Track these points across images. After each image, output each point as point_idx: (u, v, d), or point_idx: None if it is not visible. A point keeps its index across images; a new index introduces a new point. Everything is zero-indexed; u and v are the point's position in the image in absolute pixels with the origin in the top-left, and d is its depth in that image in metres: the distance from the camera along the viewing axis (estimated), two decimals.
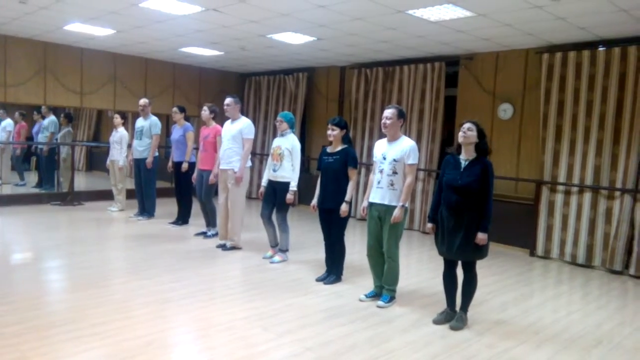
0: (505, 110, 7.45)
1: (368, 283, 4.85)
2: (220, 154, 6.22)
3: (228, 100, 6.08)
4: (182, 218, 7.60)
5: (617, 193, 6.28)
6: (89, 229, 7.34)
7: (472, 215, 3.83)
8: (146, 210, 7.95)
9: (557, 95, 6.75)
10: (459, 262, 4.10)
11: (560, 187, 6.76)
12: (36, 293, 4.41)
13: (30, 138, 10.70)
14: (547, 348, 3.77)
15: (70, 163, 9.36)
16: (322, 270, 5.31)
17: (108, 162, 8.49)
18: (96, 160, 12.86)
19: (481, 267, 4.52)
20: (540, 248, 6.89)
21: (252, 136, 6.11)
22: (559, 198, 6.77)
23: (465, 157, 3.93)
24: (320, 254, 5.47)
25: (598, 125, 6.41)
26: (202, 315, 4.07)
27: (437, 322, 4.09)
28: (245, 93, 11.37)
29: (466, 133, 3.87)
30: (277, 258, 5.80)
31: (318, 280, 5.12)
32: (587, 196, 6.52)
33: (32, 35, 8.27)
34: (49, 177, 9.89)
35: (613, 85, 6.27)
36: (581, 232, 6.53)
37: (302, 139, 9.77)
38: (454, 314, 4.11)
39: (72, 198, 8.97)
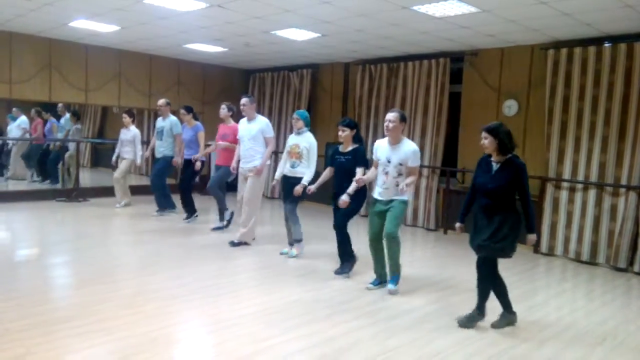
0: (510, 107, 7.42)
1: (369, 281, 4.90)
2: (241, 152, 6.28)
3: (244, 100, 6.15)
4: (192, 213, 7.69)
5: (622, 190, 6.25)
6: (94, 224, 7.37)
7: (503, 216, 3.80)
8: (168, 205, 7.98)
9: (563, 91, 6.71)
10: (498, 262, 4.01)
11: (565, 184, 6.73)
12: (42, 289, 4.45)
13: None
14: (550, 345, 3.76)
15: (76, 160, 9.40)
16: (329, 266, 5.38)
17: (113, 159, 8.57)
18: (101, 156, 12.90)
19: None
20: (544, 245, 6.87)
21: (272, 134, 6.24)
22: (564, 195, 6.75)
23: (496, 160, 3.87)
24: (328, 250, 5.58)
25: (603, 121, 6.37)
26: (208, 311, 4.09)
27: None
28: (249, 90, 11.35)
29: (483, 143, 3.86)
30: (294, 251, 5.89)
31: (337, 273, 5.19)
32: (592, 193, 6.49)
33: (37, 31, 8.29)
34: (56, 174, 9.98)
35: (619, 81, 6.23)
36: (586, 229, 6.51)
37: None
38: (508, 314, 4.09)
39: (77, 194, 9.01)
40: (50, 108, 10.41)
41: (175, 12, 6.44)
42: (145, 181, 9.65)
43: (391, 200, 4.57)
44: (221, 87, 11.04)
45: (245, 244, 6.24)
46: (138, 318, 3.82)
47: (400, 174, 4.52)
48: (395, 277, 4.71)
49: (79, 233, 6.86)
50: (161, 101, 7.95)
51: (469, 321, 4.00)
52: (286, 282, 4.95)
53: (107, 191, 9.51)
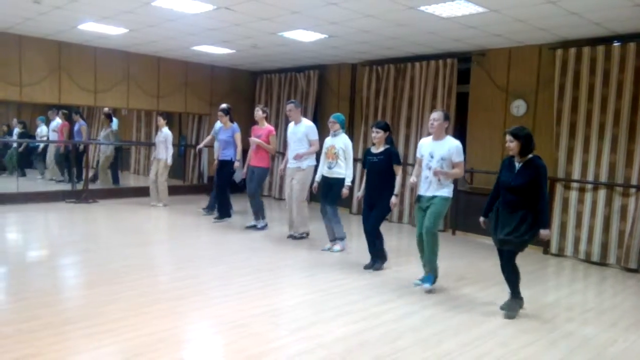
0: (518, 107, 7.38)
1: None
2: (288, 154, 6.74)
3: (289, 106, 6.66)
4: (225, 212, 7.82)
5: (633, 190, 6.20)
6: (103, 226, 7.42)
7: (525, 212, 4.12)
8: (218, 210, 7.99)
9: (571, 91, 6.67)
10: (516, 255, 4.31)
11: (575, 184, 6.69)
12: (51, 290, 4.48)
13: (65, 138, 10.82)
14: (561, 346, 3.73)
15: (86, 161, 9.48)
16: (337, 267, 5.42)
17: (152, 159, 9.10)
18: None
19: (495, 264, 4.51)
20: (554, 246, 6.82)
21: (316, 137, 6.60)
22: (573, 195, 6.70)
23: (518, 160, 4.23)
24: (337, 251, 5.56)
25: (613, 121, 6.32)
26: (215, 312, 4.10)
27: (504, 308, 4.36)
28: (256, 91, 11.40)
29: (509, 145, 4.21)
30: (337, 247, 6.19)
31: (366, 268, 5.43)
32: (602, 193, 6.44)
33: (46, 34, 8.36)
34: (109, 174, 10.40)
35: (628, 81, 6.18)
36: (596, 230, 6.46)
37: None
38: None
39: (86, 196, 9.07)
40: (78, 110, 10.51)
41: (183, 14, 6.47)
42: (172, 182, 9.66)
43: (433, 197, 4.77)
44: (228, 88, 11.07)
45: (302, 237, 6.72)
46: (146, 318, 3.84)
47: (442, 169, 4.71)
48: (430, 276, 4.91)
49: (89, 234, 6.90)
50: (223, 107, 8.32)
51: (510, 310, 4.27)
52: (294, 283, 4.97)
53: (115, 192, 9.60)
